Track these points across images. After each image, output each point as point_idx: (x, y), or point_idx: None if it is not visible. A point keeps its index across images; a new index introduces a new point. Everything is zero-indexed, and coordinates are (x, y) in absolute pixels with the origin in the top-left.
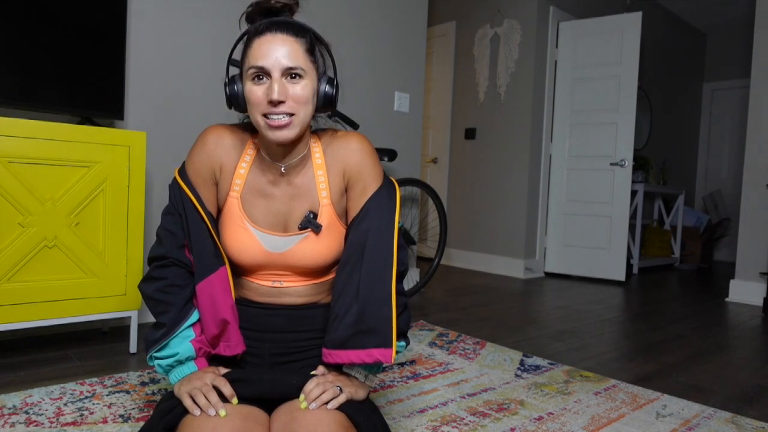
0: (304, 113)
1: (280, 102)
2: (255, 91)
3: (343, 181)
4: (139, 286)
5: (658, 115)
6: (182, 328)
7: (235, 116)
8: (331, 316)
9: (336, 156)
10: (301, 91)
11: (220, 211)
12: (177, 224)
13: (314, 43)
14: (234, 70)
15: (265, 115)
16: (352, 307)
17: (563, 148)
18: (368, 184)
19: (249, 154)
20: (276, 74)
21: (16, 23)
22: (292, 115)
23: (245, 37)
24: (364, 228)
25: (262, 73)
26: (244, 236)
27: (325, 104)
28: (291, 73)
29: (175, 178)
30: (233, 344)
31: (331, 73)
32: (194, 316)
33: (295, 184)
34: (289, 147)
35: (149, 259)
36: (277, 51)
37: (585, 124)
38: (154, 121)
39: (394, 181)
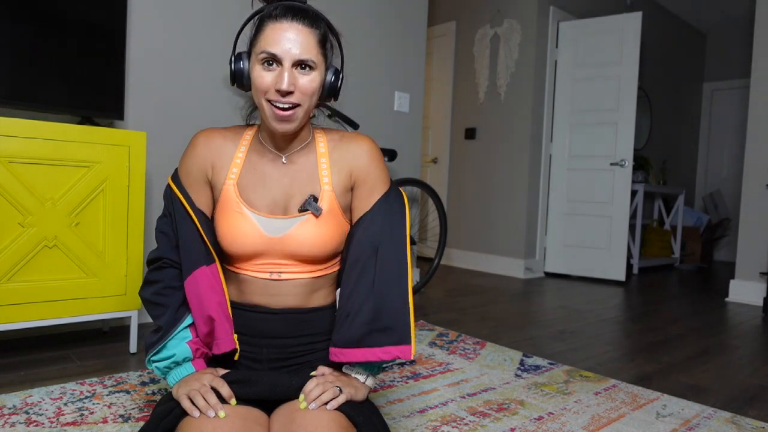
0: (308, 105)
1: (289, 92)
2: (264, 77)
3: (350, 180)
4: (139, 293)
5: (658, 115)
6: (178, 329)
7: (233, 118)
8: (341, 314)
9: (346, 153)
10: (309, 84)
11: (215, 207)
12: (169, 225)
13: (327, 34)
14: (241, 47)
15: (270, 102)
16: (366, 305)
17: (563, 148)
18: (376, 186)
19: (244, 144)
20: (287, 63)
21: (17, 23)
22: (297, 106)
23: (257, 16)
24: (377, 229)
25: (272, 60)
26: (241, 221)
27: (329, 95)
28: (302, 64)
29: (168, 183)
30: (221, 342)
31: (338, 63)
32: (191, 318)
33: (296, 167)
34: (290, 137)
35: (147, 263)
36: (291, 40)
37: (585, 124)
38: (154, 121)
39: (401, 190)
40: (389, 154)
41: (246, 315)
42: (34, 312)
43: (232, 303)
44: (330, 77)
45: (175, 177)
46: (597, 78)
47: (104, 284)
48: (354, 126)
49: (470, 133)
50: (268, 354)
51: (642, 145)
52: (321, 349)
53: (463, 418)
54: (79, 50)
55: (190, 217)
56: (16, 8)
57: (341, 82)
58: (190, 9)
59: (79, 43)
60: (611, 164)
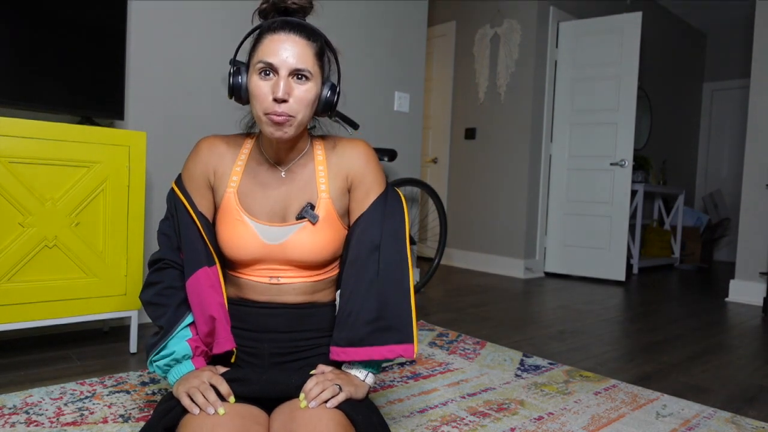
0: (303, 115)
1: (284, 100)
2: (261, 86)
3: (347, 183)
4: (140, 297)
5: (658, 115)
6: (179, 328)
7: (232, 119)
8: (343, 313)
9: (342, 157)
10: (305, 93)
11: (217, 214)
12: (172, 228)
13: (324, 49)
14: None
15: (267, 114)
16: (367, 304)
17: (563, 148)
18: (373, 187)
19: (244, 153)
20: (283, 72)
21: (17, 23)
22: (291, 116)
23: (256, 31)
24: (376, 228)
25: (269, 69)
26: (241, 229)
27: (325, 109)
28: (298, 74)
29: (171, 186)
30: (221, 341)
31: (335, 79)
32: (191, 317)
33: (294, 175)
34: (288, 147)
35: (148, 264)
36: (288, 50)
37: (585, 124)
38: (154, 121)
39: (398, 190)
40: (389, 154)
41: (248, 310)
42: (34, 312)
43: (235, 300)
44: (326, 92)
45: (179, 181)
46: (597, 78)
47: (104, 284)
48: (354, 126)
49: (470, 133)
50: (270, 349)
51: (642, 145)
52: (322, 344)
53: (463, 418)
54: (80, 50)
55: (193, 219)
56: (16, 8)
57: (337, 97)
58: (190, 8)
59: (79, 43)
60: (611, 164)
